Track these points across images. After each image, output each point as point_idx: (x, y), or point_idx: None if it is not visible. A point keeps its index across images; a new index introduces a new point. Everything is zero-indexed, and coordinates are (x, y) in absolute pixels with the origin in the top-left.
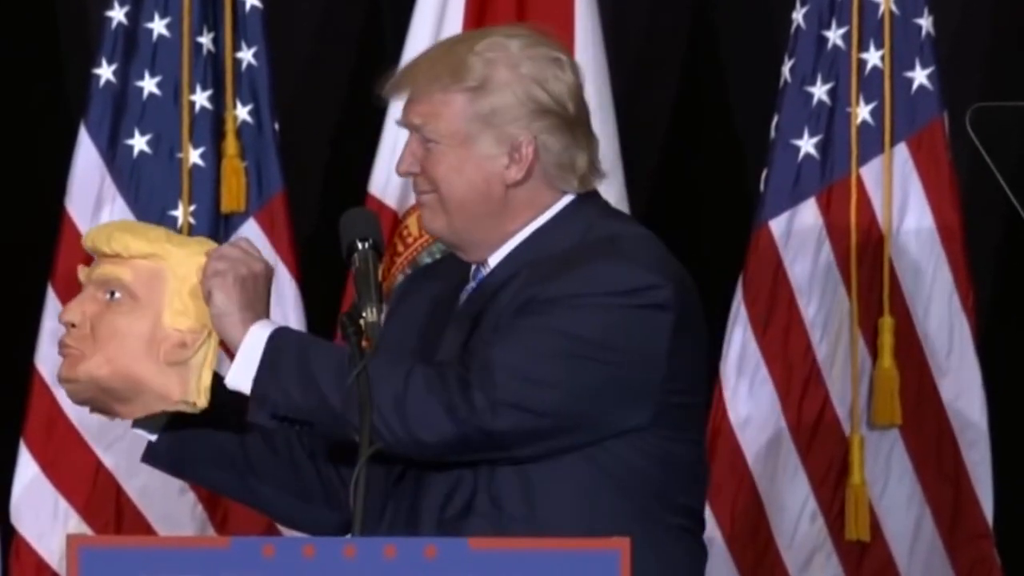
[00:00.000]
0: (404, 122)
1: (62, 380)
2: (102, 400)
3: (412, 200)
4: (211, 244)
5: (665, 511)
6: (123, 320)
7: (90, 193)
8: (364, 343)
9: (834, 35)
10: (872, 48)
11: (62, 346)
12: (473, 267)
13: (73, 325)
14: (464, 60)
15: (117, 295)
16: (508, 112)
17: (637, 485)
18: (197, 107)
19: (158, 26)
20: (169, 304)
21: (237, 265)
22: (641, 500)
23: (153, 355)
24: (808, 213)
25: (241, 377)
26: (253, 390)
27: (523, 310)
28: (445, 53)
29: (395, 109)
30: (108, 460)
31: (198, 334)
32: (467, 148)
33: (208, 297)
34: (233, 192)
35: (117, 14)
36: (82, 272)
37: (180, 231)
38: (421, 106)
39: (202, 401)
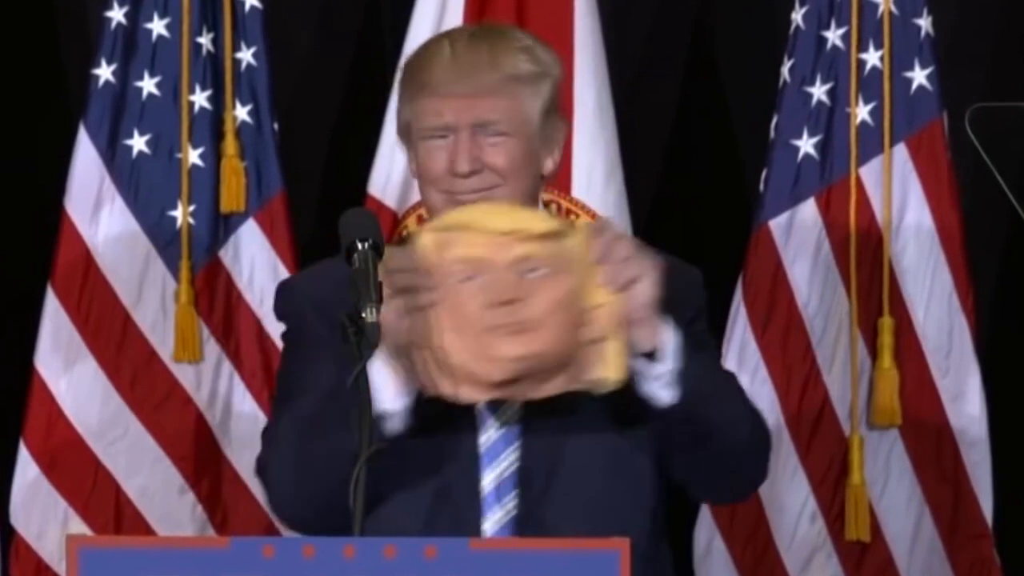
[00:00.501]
0: (465, 120)
1: (510, 359)
2: (527, 380)
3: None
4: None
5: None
6: (551, 293)
7: (89, 193)
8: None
9: (833, 35)
10: (871, 48)
11: (500, 327)
12: None
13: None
14: (530, 53)
15: (538, 272)
16: (555, 105)
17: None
18: (196, 107)
19: (157, 26)
20: (590, 278)
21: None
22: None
23: (578, 328)
24: (808, 213)
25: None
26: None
27: None
28: (504, 48)
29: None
30: (108, 460)
31: (614, 311)
32: (533, 140)
33: (629, 283)
34: (233, 192)
35: (116, 14)
36: (440, 255)
37: (179, 232)
38: (493, 101)
39: (617, 376)
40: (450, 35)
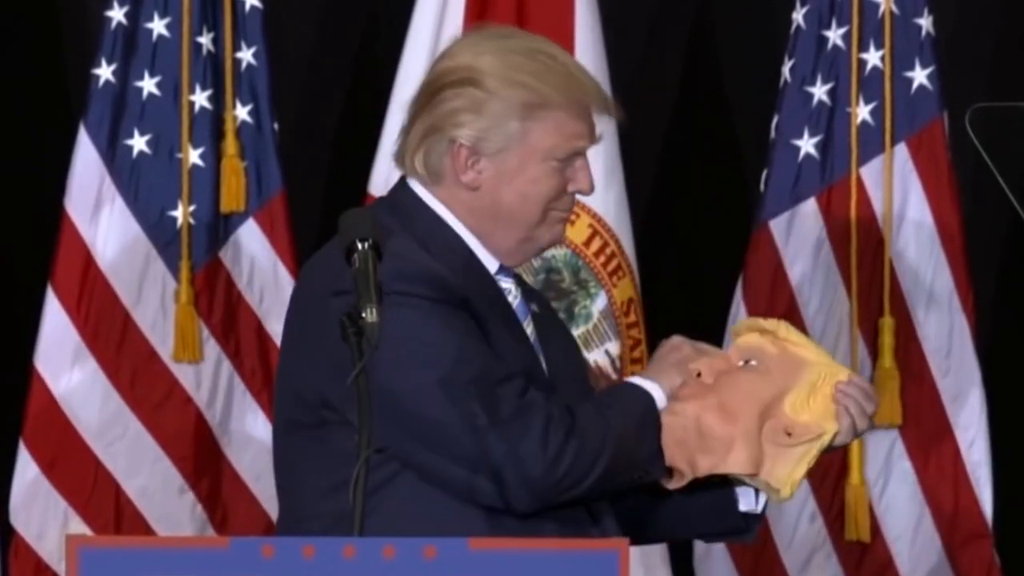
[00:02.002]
0: (596, 141)
1: (671, 408)
2: (689, 447)
3: None
4: (849, 370)
5: None
6: (748, 380)
7: (90, 193)
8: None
9: (834, 35)
10: (872, 48)
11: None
12: (497, 265)
13: (699, 375)
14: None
15: (753, 363)
16: None
17: None
18: (197, 107)
19: (158, 26)
20: (798, 390)
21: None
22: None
23: (758, 422)
24: (808, 213)
25: None
26: None
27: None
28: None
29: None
30: (108, 460)
31: (807, 431)
32: None
33: (839, 418)
34: (233, 192)
35: (117, 14)
36: (734, 333)
37: (180, 231)
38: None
39: (787, 492)
40: (545, 45)
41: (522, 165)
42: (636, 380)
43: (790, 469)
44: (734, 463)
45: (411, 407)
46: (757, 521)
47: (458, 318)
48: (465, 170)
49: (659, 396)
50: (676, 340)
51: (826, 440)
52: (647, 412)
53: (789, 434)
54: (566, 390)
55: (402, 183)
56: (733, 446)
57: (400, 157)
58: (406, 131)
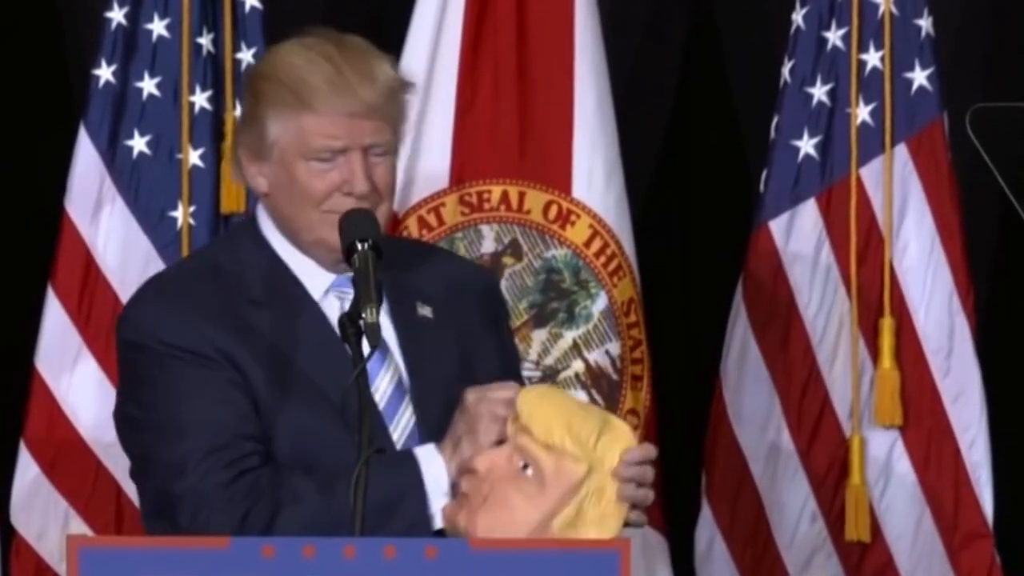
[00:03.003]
0: (358, 142)
1: (444, 517)
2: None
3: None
4: (630, 440)
5: None
6: (519, 500)
7: (90, 194)
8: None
9: (834, 36)
10: (872, 49)
11: (455, 485)
12: (333, 276)
13: (477, 472)
14: (393, 62)
15: (529, 471)
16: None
17: None
18: (197, 108)
19: (158, 27)
20: (565, 514)
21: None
22: None
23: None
24: (808, 214)
25: None
26: None
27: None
28: (377, 59)
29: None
30: (108, 461)
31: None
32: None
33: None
34: (233, 193)
35: (117, 15)
36: (511, 424)
37: (180, 232)
38: (380, 122)
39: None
40: (317, 47)
41: (286, 167)
42: (421, 452)
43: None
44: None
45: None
46: None
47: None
48: (253, 176)
49: (435, 472)
50: (471, 398)
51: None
52: (403, 493)
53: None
54: (432, 398)
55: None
56: None
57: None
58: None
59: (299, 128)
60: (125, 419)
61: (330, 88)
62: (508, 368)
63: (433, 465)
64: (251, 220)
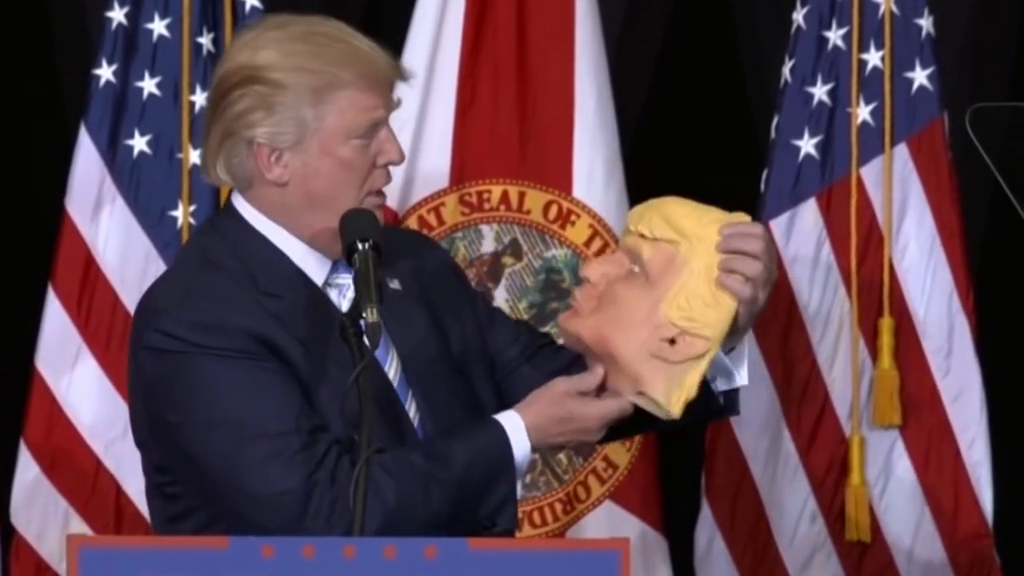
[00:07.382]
0: (395, 107)
1: (558, 327)
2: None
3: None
4: (718, 226)
5: None
6: (629, 293)
7: (90, 193)
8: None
9: (834, 35)
10: (872, 48)
11: (572, 297)
12: (329, 266)
13: (589, 281)
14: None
15: (636, 269)
16: None
17: None
18: (197, 107)
19: (158, 27)
20: (673, 296)
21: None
22: None
23: (643, 339)
24: (808, 213)
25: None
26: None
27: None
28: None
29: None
30: (108, 460)
31: (695, 341)
32: None
33: (733, 297)
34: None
35: (117, 15)
36: (624, 235)
37: (180, 232)
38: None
39: (676, 413)
40: (321, 26)
41: (325, 150)
42: (504, 418)
43: (676, 389)
44: (624, 387)
45: (188, 448)
46: (737, 395)
47: (258, 370)
48: (270, 167)
49: (519, 438)
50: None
51: (712, 355)
52: (497, 460)
53: (674, 344)
54: (422, 370)
55: (228, 200)
56: (618, 369)
57: (203, 169)
58: (204, 142)
59: (344, 107)
60: (166, 426)
61: (360, 63)
62: (503, 322)
63: (515, 435)
64: (228, 214)
